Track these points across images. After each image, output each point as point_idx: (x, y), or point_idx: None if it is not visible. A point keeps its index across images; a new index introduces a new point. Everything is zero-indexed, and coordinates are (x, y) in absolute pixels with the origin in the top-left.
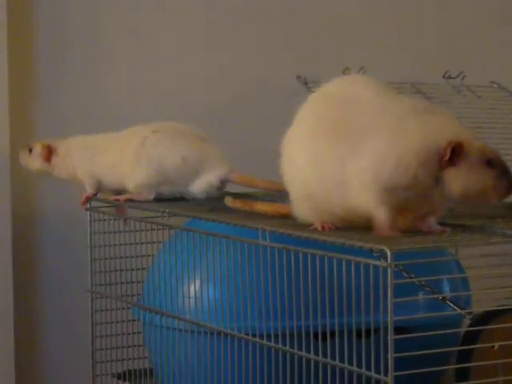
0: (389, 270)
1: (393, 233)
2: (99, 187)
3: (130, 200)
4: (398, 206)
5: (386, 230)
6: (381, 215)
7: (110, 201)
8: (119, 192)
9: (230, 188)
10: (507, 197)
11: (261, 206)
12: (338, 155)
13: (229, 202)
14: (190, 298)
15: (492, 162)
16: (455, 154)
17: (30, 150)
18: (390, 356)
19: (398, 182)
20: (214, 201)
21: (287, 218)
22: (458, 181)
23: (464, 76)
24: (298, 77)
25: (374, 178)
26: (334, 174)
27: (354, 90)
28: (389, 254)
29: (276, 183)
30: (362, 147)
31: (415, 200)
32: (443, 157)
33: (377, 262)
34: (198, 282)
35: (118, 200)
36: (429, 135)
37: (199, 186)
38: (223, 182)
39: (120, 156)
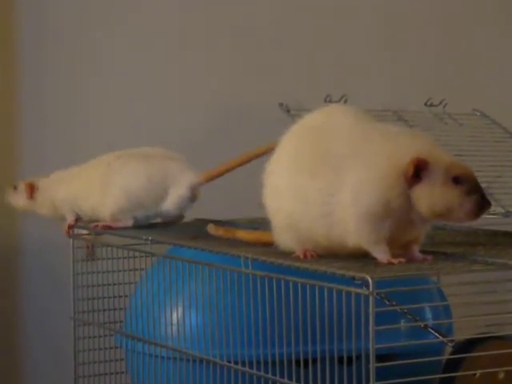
0: (370, 298)
1: (397, 261)
2: (77, 215)
3: (109, 227)
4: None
5: (389, 260)
6: (380, 251)
7: (90, 228)
8: (97, 221)
9: (212, 215)
10: (478, 214)
11: (243, 234)
12: (321, 187)
13: (211, 229)
14: (172, 325)
15: (460, 179)
16: (419, 170)
17: (15, 188)
18: (372, 383)
19: (378, 211)
20: (197, 228)
21: (269, 245)
22: (423, 198)
23: (446, 104)
24: (281, 104)
25: (356, 211)
26: (318, 205)
27: (333, 120)
28: (370, 282)
29: (238, 160)
30: (344, 179)
31: (397, 228)
32: (407, 174)
33: (358, 290)
34: (180, 310)
35: (97, 226)
36: (393, 156)
37: (170, 201)
38: (193, 190)
39: (88, 186)
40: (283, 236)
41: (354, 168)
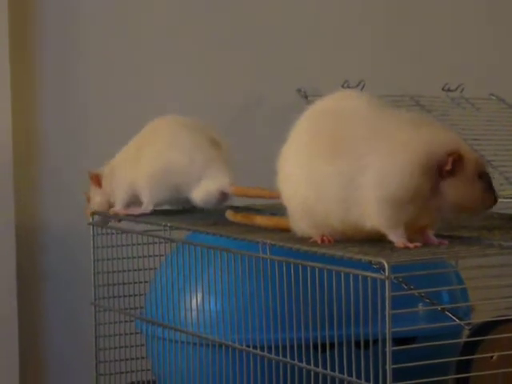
0: (387, 282)
1: (413, 245)
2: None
3: (129, 215)
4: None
5: (405, 244)
6: (397, 234)
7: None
8: None
9: (231, 201)
10: (490, 208)
11: (261, 220)
12: (338, 171)
13: (230, 215)
14: (191, 310)
15: (483, 175)
16: (455, 164)
17: (88, 198)
18: (389, 367)
19: (404, 196)
20: (216, 215)
21: (287, 231)
22: (455, 191)
23: (463, 88)
24: (299, 90)
25: (381, 194)
26: (335, 189)
27: (348, 104)
28: (387, 266)
29: (268, 191)
30: (364, 163)
31: (416, 212)
32: (443, 167)
33: (375, 275)
34: (199, 295)
35: (117, 214)
36: (428, 146)
37: (198, 195)
38: (223, 195)
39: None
40: (299, 222)
41: (376, 152)
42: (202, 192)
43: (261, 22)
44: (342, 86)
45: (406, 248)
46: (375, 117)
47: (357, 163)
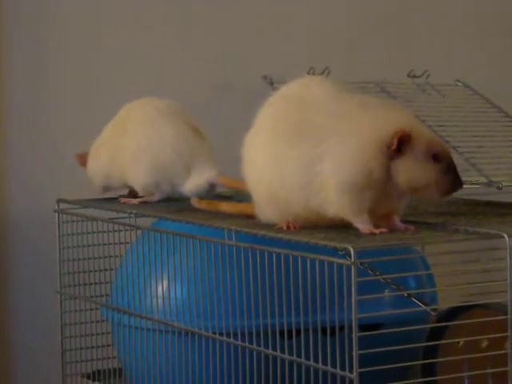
0: (352, 268)
1: (378, 231)
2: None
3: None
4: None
5: (370, 230)
6: (361, 221)
7: (77, 202)
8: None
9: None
10: (451, 193)
11: (226, 207)
12: (299, 157)
13: (195, 202)
14: (157, 297)
15: (438, 156)
16: (402, 144)
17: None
18: (355, 353)
19: (360, 181)
20: (181, 202)
21: (253, 218)
22: (403, 172)
23: (428, 75)
24: (264, 77)
25: (338, 181)
26: (296, 176)
27: (310, 90)
28: (352, 252)
29: None
30: (323, 149)
31: (378, 199)
32: (390, 147)
33: (341, 261)
34: (165, 282)
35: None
36: (376, 127)
37: (188, 187)
38: (212, 186)
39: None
40: (264, 209)
41: (334, 138)
42: (191, 184)
43: (228, 9)
44: (308, 73)
45: (372, 234)
46: (335, 102)
47: (316, 149)
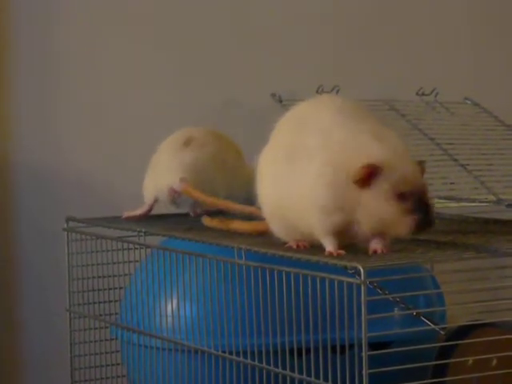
0: (362, 287)
1: (339, 253)
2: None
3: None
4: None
5: (331, 252)
6: (326, 241)
7: (86, 220)
8: None
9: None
10: (414, 233)
11: (237, 225)
12: (292, 180)
13: (206, 221)
14: (167, 316)
15: (405, 196)
16: (370, 177)
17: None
18: (365, 372)
19: (327, 205)
20: (191, 220)
21: (264, 235)
22: (365, 207)
23: (437, 93)
24: (273, 95)
25: (311, 202)
26: (292, 196)
27: (315, 111)
28: (362, 271)
29: (224, 202)
30: (306, 172)
31: (347, 222)
32: (355, 179)
33: (350, 279)
34: (174, 301)
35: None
36: (353, 155)
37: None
38: (173, 192)
39: None
40: (273, 225)
41: (315, 161)
42: (153, 188)
43: (238, 25)
44: (317, 92)
45: (330, 255)
46: (334, 125)
47: (303, 172)
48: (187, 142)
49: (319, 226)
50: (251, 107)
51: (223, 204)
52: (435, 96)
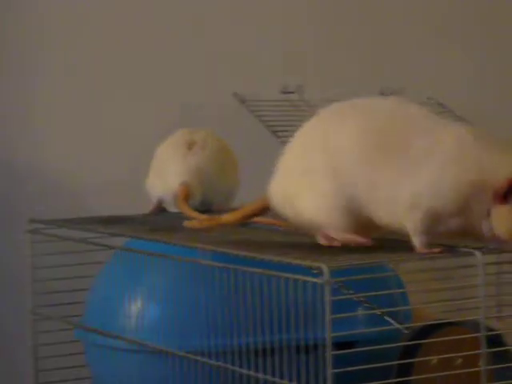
0: (326, 287)
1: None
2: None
3: None
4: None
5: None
6: (420, 239)
7: (50, 222)
8: None
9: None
10: None
11: (227, 218)
12: (391, 174)
13: (192, 223)
14: (131, 317)
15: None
16: (510, 191)
17: None
18: (329, 371)
19: (444, 210)
20: (156, 221)
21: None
22: (505, 219)
23: (400, 92)
24: (235, 94)
25: (432, 205)
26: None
27: (399, 107)
28: (326, 271)
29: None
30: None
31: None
32: (497, 192)
33: (314, 279)
34: (138, 302)
35: None
36: (487, 168)
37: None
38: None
39: None
40: (324, 216)
41: (433, 163)
42: (159, 190)
43: (197, 26)
44: (282, 92)
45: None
46: (438, 126)
47: (413, 172)
48: (190, 145)
49: (423, 228)
50: (213, 107)
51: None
52: (400, 95)
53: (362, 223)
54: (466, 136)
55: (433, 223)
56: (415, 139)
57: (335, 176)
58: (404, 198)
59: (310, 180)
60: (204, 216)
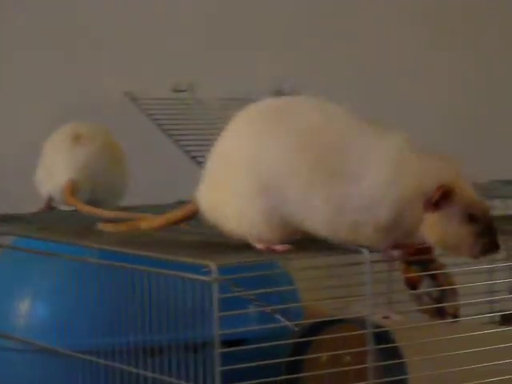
0: (213, 285)
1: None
2: None
3: None
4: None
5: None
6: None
7: None
8: None
9: None
10: (482, 257)
11: (147, 224)
12: (323, 185)
13: (104, 226)
14: (19, 316)
15: (475, 217)
16: (441, 199)
17: None
18: (217, 369)
19: (391, 225)
20: (46, 220)
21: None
22: (435, 228)
23: (297, 92)
24: (127, 93)
25: (374, 221)
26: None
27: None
28: (213, 268)
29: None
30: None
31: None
32: (428, 200)
33: (202, 277)
34: (26, 301)
35: None
36: (420, 176)
37: None
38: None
39: None
40: (259, 225)
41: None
42: (46, 186)
43: (90, 25)
44: (174, 90)
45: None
46: (377, 137)
47: (348, 184)
48: (76, 138)
49: (370, 242)
50: (105, 106)
51: (97, 212)
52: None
53: (291, 231)
54: (400, 146)
55: (381, 234)
56: (349, 152)
57: (263, 189)
58: (343, 216)
59: (235, 190)
60: (96, 210)
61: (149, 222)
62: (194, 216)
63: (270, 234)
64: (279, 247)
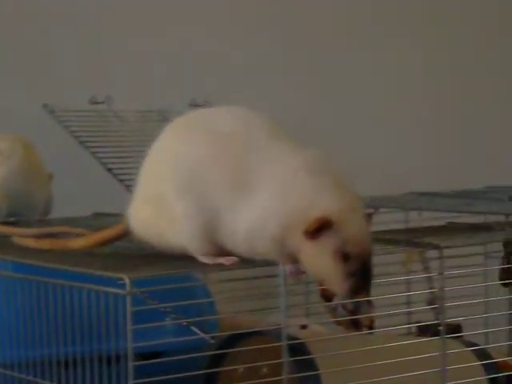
0: (127, 298)
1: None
2: None
3: None
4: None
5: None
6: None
7: None
8: None
9: None
10: (349, 296)
11: (81, 243)
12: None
13: (18, 240)
14: None
15: (349, 256)
16: (319, 231)
17: None
18: (130, 382)
19: (272, 246)
20: None
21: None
22: (309, 257)
23: (210, 103)
24: (45, 105)
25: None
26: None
27: (245, 128)
28: (127, 281)
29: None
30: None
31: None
32: (307, 229)
33: (115, 290)
34: None
35: None
36: (305, 203)
37: None
38: None
39: None
40: (191, 238)
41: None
42: None
43: (13, 34)
44: (90, 102)
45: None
46: (281, 153)
47: (251, 199)
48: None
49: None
50: (23, 119)
51: (14, 232)
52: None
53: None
54: (299, 166)
55: (276, 247)
56: (255, 166)
57: (191, 202)
58: (239, 229)
59: (165, 206)
60: (14, 229)
61: (80, 242)
62: (126, 234)
63: (210, 247)
64: (223, 260)
